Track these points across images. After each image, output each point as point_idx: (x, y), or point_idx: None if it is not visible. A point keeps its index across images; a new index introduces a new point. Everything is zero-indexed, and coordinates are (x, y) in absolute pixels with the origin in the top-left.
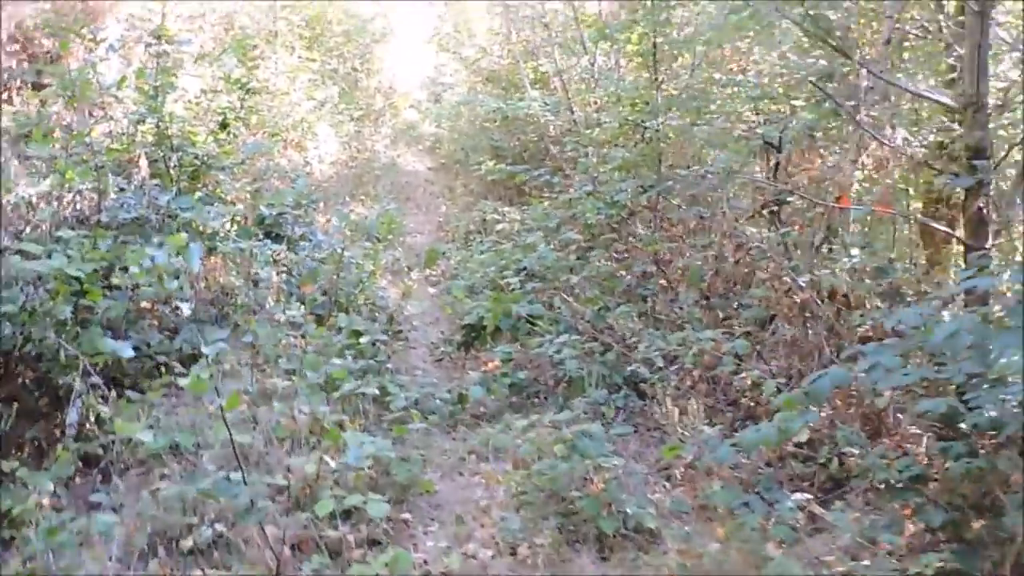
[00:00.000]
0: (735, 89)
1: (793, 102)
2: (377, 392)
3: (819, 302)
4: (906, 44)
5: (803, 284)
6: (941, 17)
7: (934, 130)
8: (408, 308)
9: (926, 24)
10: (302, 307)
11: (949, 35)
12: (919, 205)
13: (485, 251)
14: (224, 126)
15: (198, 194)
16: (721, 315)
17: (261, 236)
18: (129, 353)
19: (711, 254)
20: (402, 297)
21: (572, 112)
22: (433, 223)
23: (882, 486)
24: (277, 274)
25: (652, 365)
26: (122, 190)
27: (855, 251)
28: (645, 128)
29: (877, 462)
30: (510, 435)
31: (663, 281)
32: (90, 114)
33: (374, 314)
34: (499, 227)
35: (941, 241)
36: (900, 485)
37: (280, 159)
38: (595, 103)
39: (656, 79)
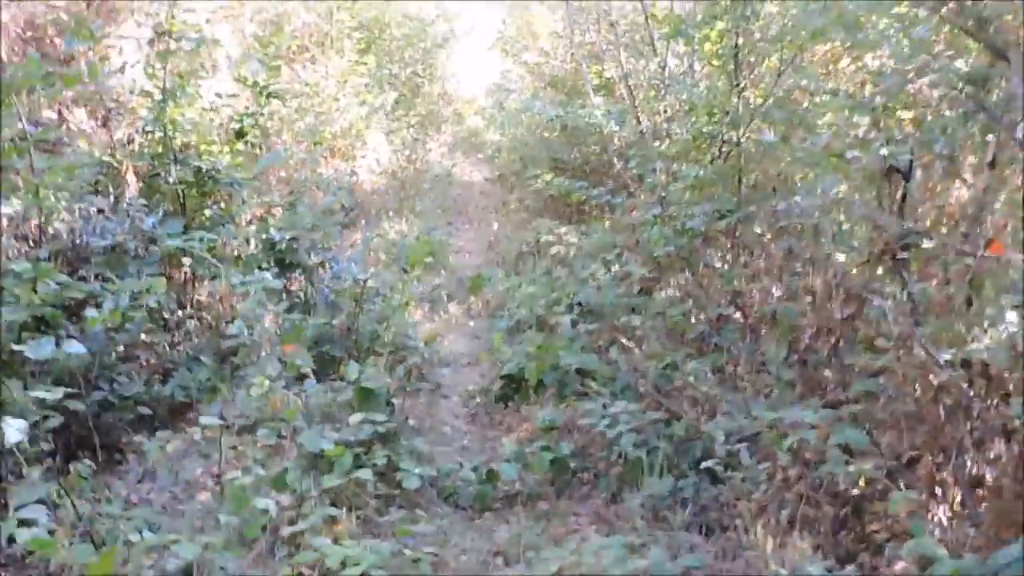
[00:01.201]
0: (824, 98)
1: (903, 113)
2: (382, 471)
3: (954, 373)
4: None
5: (944, 360)
6: None
7: None
8: (443, 345)
9: None
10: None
11: None
12: None
13: (535, 279)
14: (241, 135)
15: (208, 212)
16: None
17: (272, 264)
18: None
19: (807, 301)
20: (425, 342)
21: (638, 122)
22: (483, 241)
23: None
24: (281, 311)
25: (727, 440)
26: (100, 211)
27: (1011, 315)
28: (723, 142)
29: None
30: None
31: (744, 327)
32: (104, 123)
33: (399, 357)
34: (553, 250)
35: None
36: None
37: (324, 169)
38: (664, 112)
39: (737, 84)
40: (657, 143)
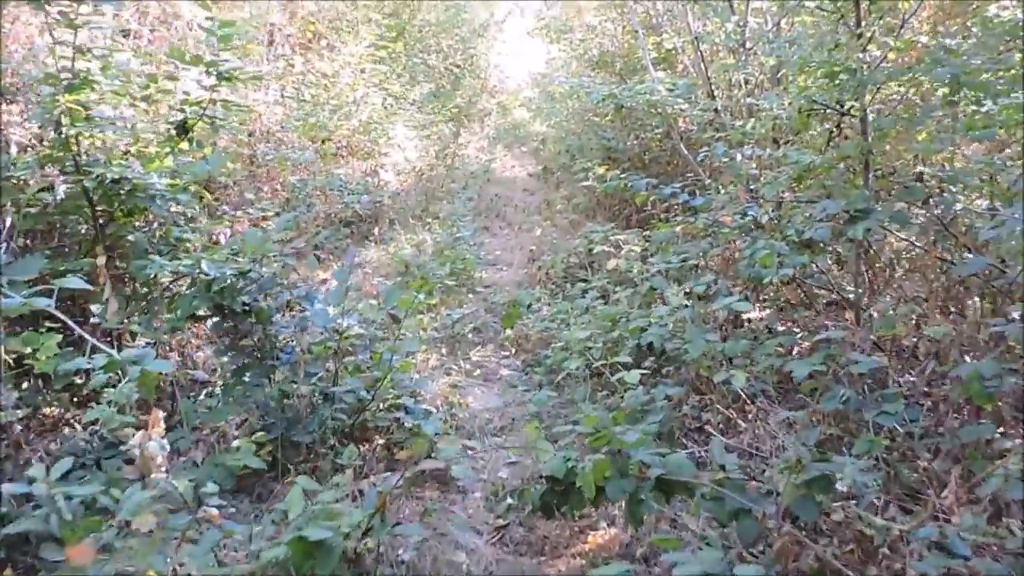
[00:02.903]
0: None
1: None
2: None
3: None
4: None
5: None
6: None
7: None
8: (464, 402)
9: None
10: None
11: None
12: None
13: (589, 306)
14: (184, 130)
15: (131, 237)
16: None
17: (210, 312)
18: None
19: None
20: (409, 460)
21: (712, 97)
22: (523, 251)
23: None
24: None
25: None
26: None
27: None
28: (842, 113)
29: None
30: None
31: (900, 388)
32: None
33: (393, 442)
34: (611, 264)
35: None
36: None
37: (343, 170)
38: (745, 83)
39: (859, 34)
40: (739, 122)
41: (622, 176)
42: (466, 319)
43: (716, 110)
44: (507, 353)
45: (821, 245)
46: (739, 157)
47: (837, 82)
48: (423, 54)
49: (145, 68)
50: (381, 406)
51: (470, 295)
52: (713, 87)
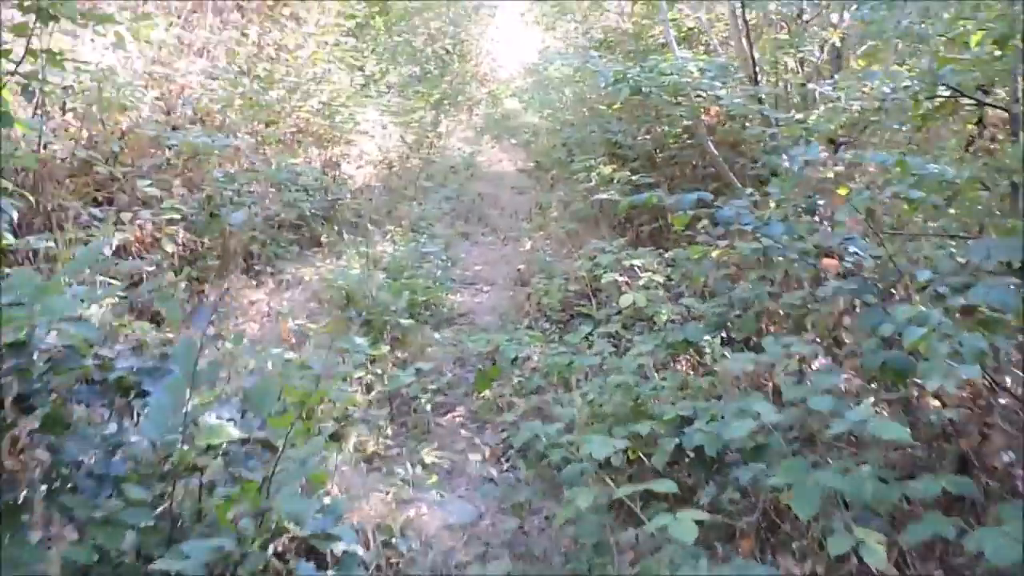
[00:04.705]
0: None
1: None
2: None
3: None
4: None
5: None
6: None
7: None
8: (414, 525)
9: None
10: None
11: None
12: None
13: (600, 365)
14: None
15: None
16: None
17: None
18: None
19: None
20: None
21: (757, 82)
22: (510, 266)
23: None
24: None
25: None
26: None
27: None
28: (980, 103)
29: None
30: None
31: None
32: None
33: None
34: (625, 300)
35: None
36: None
37: (298, 160)
38: (802, 65)
39: None
40: (797, 116)
41: (633, 179)
42: (424, 378)
43: (760, 98)
44: (480, 422)
45: (1001, 316)
46: (793, 159)
47: (1003, 55)
48: (407, 34)
49: None
50: (266, 558)
51: (436, 334)
52: (758, 68)
